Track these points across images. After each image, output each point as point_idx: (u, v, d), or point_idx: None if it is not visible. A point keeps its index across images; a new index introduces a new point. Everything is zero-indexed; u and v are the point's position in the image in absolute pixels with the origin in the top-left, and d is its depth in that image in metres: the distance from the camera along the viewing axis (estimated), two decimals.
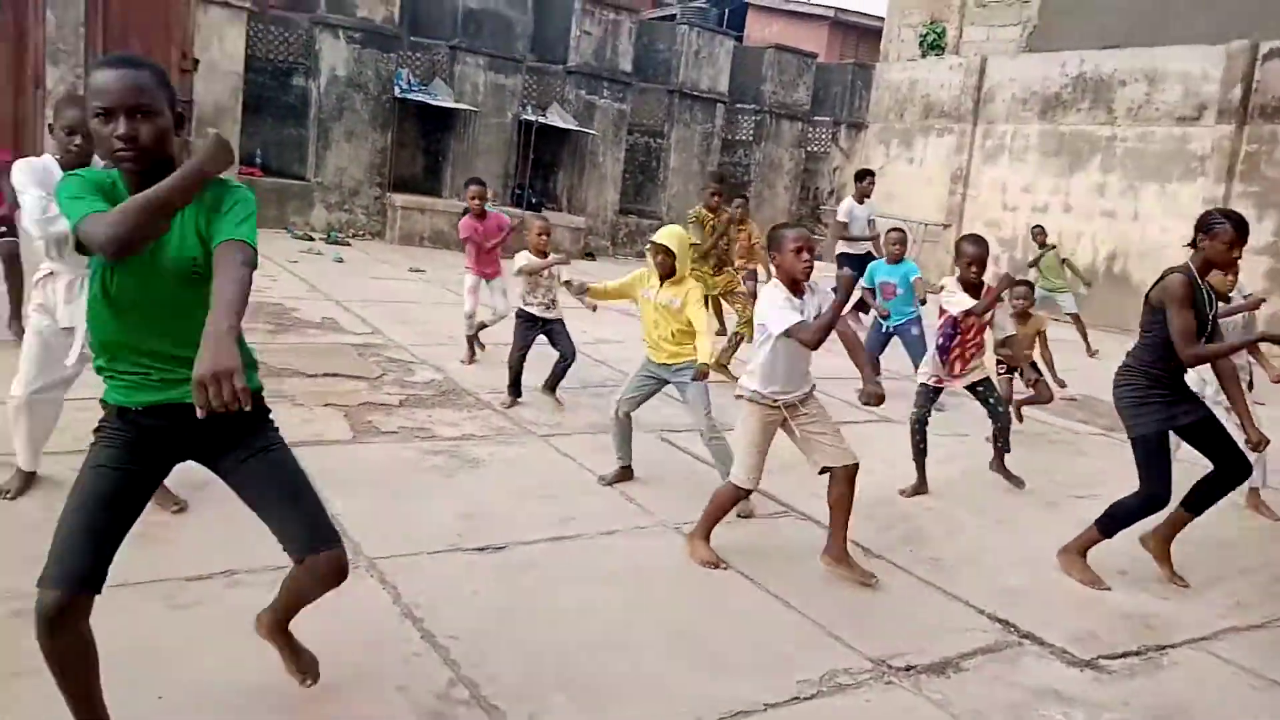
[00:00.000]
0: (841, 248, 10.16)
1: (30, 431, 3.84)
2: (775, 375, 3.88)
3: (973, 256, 5.09)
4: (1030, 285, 7.20)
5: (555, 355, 6.11)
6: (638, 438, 5.10)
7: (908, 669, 3.25)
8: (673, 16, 23.35)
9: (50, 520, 2.36)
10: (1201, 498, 4.24)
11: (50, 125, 3.69)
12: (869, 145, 18.34)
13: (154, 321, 2.25)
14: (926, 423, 5.26)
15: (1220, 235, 3.98)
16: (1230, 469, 4.16)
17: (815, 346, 3.76)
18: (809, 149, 18.35)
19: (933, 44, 17.85)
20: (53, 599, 2.18)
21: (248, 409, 1.90)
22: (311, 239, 12.68)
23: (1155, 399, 4.07)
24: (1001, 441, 5.48)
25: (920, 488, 5.19)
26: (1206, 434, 4.18)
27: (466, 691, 2.82)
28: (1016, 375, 6.45)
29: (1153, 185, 13.85)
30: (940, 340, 5.21)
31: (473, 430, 5.41)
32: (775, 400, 3.90)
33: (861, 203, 9.99)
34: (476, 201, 6.96)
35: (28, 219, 3.64)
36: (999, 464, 5.57)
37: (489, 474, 4.76)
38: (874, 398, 3.76)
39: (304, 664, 2.73)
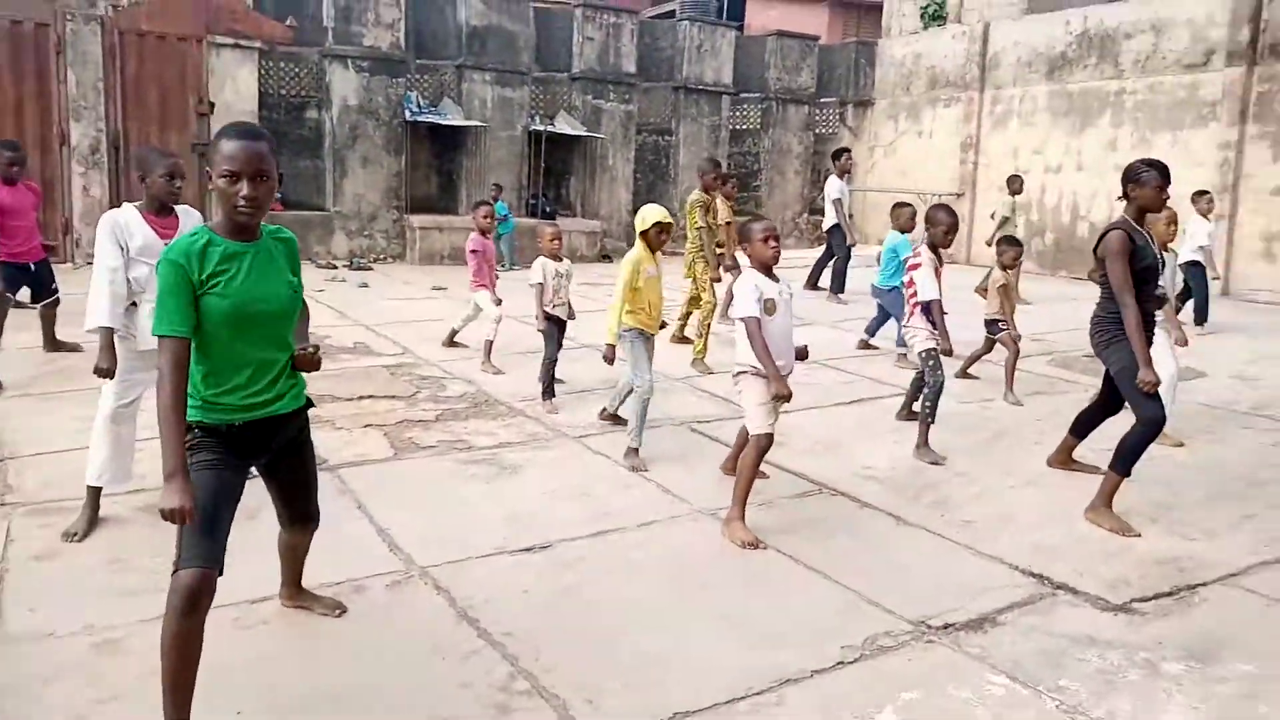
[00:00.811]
0: (830, 222, 11.17)
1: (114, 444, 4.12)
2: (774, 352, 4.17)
3: (946, 224, 5.52)
4: (1020, 245, 7.45)
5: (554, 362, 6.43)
6: (669, 430, 5.29)
7: (946, 627, 3.37)
8: (672, 13, 23.49)
9: (119, 557, 2.55)
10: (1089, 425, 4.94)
11: (140, 175, 4.10)
12: (877, 122, 18.35)
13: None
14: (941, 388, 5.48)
15: (1148, 182, 4.39)
16: (1113, 403, 4.77)
17: (756, 354, 4.14)
18: (817, 131, 18.39)
19: (934, 15, 17.83)
20: (193, 577, 2.54)
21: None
22: (335, 267, 12.95)
23: (1123, 336, 4.38)
24: (930, 406, 5.40)
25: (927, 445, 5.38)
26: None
27: (527, 683, 2.98)
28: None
29: (1165, 135, 13.76)
30: (928, 317, 5.42)
31: (508, 438, 5.58)
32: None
33: (842, 178, 11.07)
34: (487, 220, 7.52)
35: (97, 277, 3.98)
36: (907, 413, 5.91)
37: (528, 478, 4.93)
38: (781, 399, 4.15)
39: (329, 603, 3.42)
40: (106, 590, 3.52)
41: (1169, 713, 2.86)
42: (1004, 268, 7.16)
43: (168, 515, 2.45)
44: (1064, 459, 5.16)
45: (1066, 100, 15.07)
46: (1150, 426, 4.34)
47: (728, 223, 8.96)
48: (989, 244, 6.92)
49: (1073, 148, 14.86)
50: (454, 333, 7.96)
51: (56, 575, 3.62)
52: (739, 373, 4.29)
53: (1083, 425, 5.08)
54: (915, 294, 5.46)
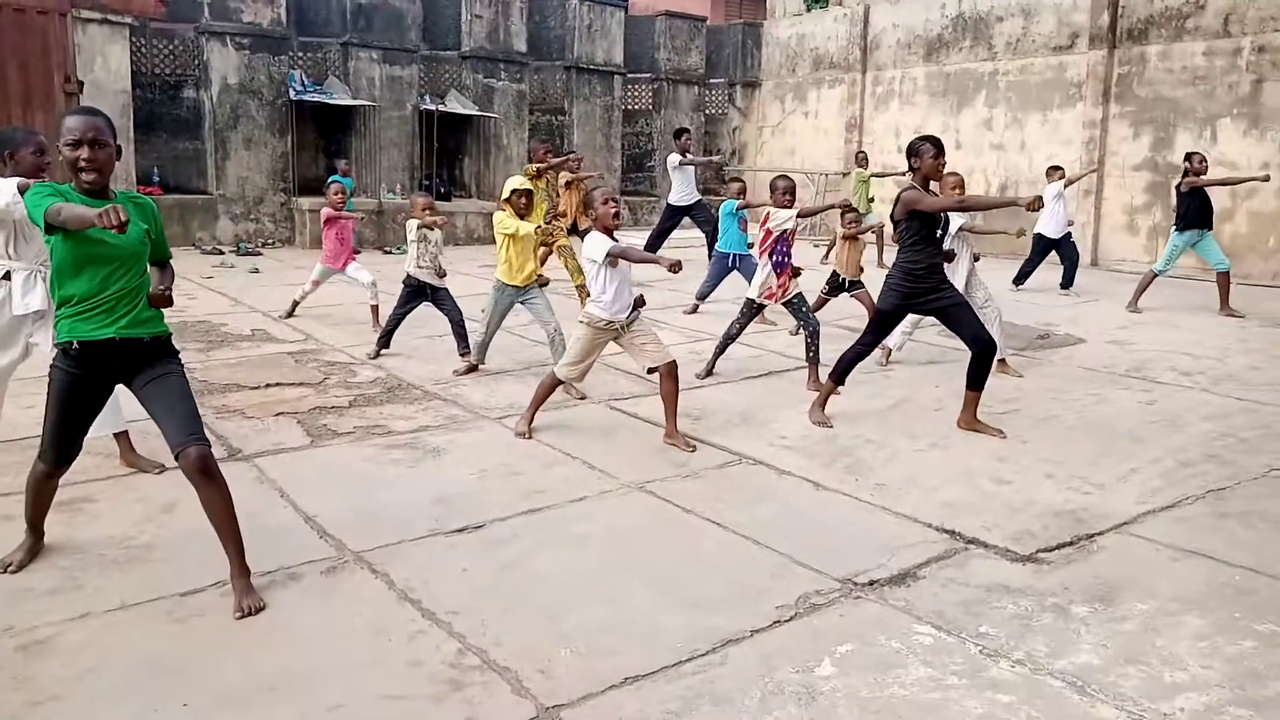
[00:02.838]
0: (673, 199, 11.76)
1: None
2: (615, 302, 5.04)
3: (785, 188, 6.54)
4: (856, 210, 8.54)
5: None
6: (588, 407, 5.50)
7: (871, 584, 3.56)
8: None
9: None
10: (977, 375, 5.44)
11: (9, 153, 4.32)
12: (764, 102, 18.71)
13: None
14: (736, 338, 6.64)
15: (925, 154, 5.18)
16: (978, 347, 5.35)
17: (628, 259, 4.98)
18: (707, 112, 18.64)
19: None
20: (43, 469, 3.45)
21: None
22: (221, 252, 12.48)
23: (901, 287, 5.30)
24: (814, 351, 6.39)
25: (710, 372, 6.64)
26: (955, 318, 5.37)
27: (477, 659, 3.01)
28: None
29: (1036, 115, 14.51)
30: (776, 259, 6.36)
31: (427, 421, 5.55)
32: (612, 322, 5.09)
33: (684, 155, 11.82)
34: (338, 196, 8.14)
35: None
36: (814, 378, 6.33)
37: (451, 460, 4.92)
38: (675, 266, 4.87)
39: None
40: (23, 591, 3.38)
41: (1080, 650, 3.10)
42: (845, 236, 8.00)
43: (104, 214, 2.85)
44: (969, 419, 5.46)
45: (944, 80, 15.70)
46: (866, 350, 5.59)
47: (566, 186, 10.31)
48: (820, 211, 7.84)
49: (951, 126, 15.51)
50: (295, 304, 8.47)
51: None
52: (581, 320, 5.18)
53: (973, 375, 5.49)
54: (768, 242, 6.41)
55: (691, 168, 11.85)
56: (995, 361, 6.69)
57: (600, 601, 3.41)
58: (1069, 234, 10.92)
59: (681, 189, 11.58)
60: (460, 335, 6.82)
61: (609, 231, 5.01)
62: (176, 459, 3.27)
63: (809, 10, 18.36)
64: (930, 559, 3.81)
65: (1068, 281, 11.06)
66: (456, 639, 3.13)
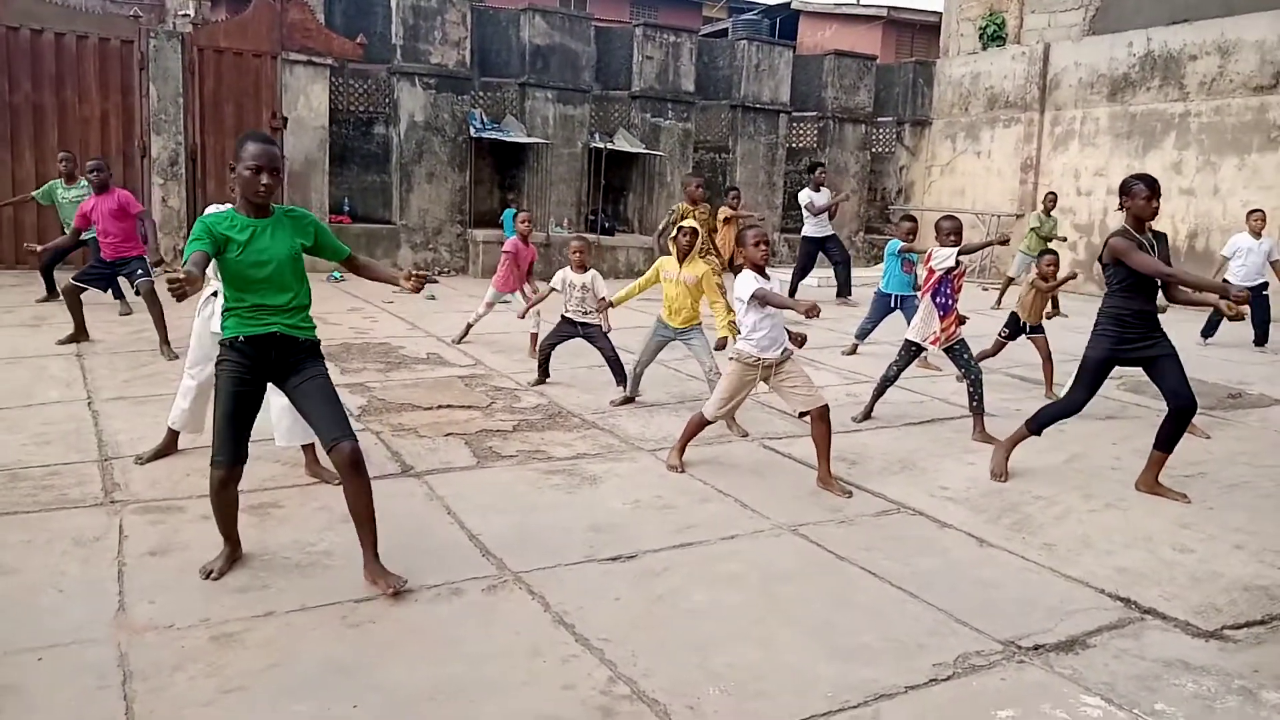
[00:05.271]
0: (807, 231, 12.46)
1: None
2: (765, 340, 5.09)
3: (950, 229, 6.28)
4: (1055, 254, 7.94)
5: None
6: (741, 445, 5.60)
7: (1036, 648, 3.40)
8: (724, 32, 23.65)
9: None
10: (1169, 436, 5.10)
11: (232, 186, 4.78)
12: (934, 141, 18.31)
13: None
14: (894, 381, 6.52)
15: (1137, 194, 4.93)
16: (1177, 402, 5.00)
17: (770, 303, 5.03)
18: (874, 150, 18.39)
19: (993, 35, 17.77)
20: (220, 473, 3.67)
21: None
22: None
23: (1110, 333, 5.04)
24: (977, 400, 6.21)
25: (868, 415, 6.53)
26: (1160, 369, 5.04)
27: (627, 688, 3.06)
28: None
29: (1232, 159, 13.58)
30: (940, 300, 6.24)
31: (584, 449, 5.69)
32: (761, 359, 5.11)
33: (818, 190, 12.43)
34: (525, 225, 8.60)
35: None
36: (979, 428, 6.17)
37: (607, 489, 5.03)
38: (811, 311, 4.79)
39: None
40: (217, 587, 3.67)
41: None
42: (1043, 278, 7.56)
43: (172, 283, 3.18)
44: (1150, 480, 5.16)
45: (1129, 121, 14.94)
46: (1069, 409, 5.26)
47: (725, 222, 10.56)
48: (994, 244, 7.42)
49: (1135, 169, 14.63)
50: (468, 327, 8.75)
51: (170, 571, 3.79)
52: (731, 357, 5.27)
53: (1165, 434, 5.14)
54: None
55: (824, 200, 12.47)
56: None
57: (751, 642, 3.41)
58: (1262, 286, 9.95)
59: (816, 221, 12.27)
60: (615, 369, 6.98)
61: (759, 270, 5.10)
62: (329, 452, 3.62)
63: (985, 48, 17.87)
64: (1102, 627, 3.60)
65: (1261, 338, 10.21)
66: (608, 666, 3.20)
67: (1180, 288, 5.02)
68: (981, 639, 3.46)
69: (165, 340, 7.61)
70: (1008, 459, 5.40)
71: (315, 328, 3.81)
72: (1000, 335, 7.81)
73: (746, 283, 5.06)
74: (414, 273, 3.82)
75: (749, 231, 5.21)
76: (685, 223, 6.65)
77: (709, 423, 5.39)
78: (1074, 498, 5.09)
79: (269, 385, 3.76)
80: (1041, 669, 3.28)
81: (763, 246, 5.11)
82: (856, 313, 11.38)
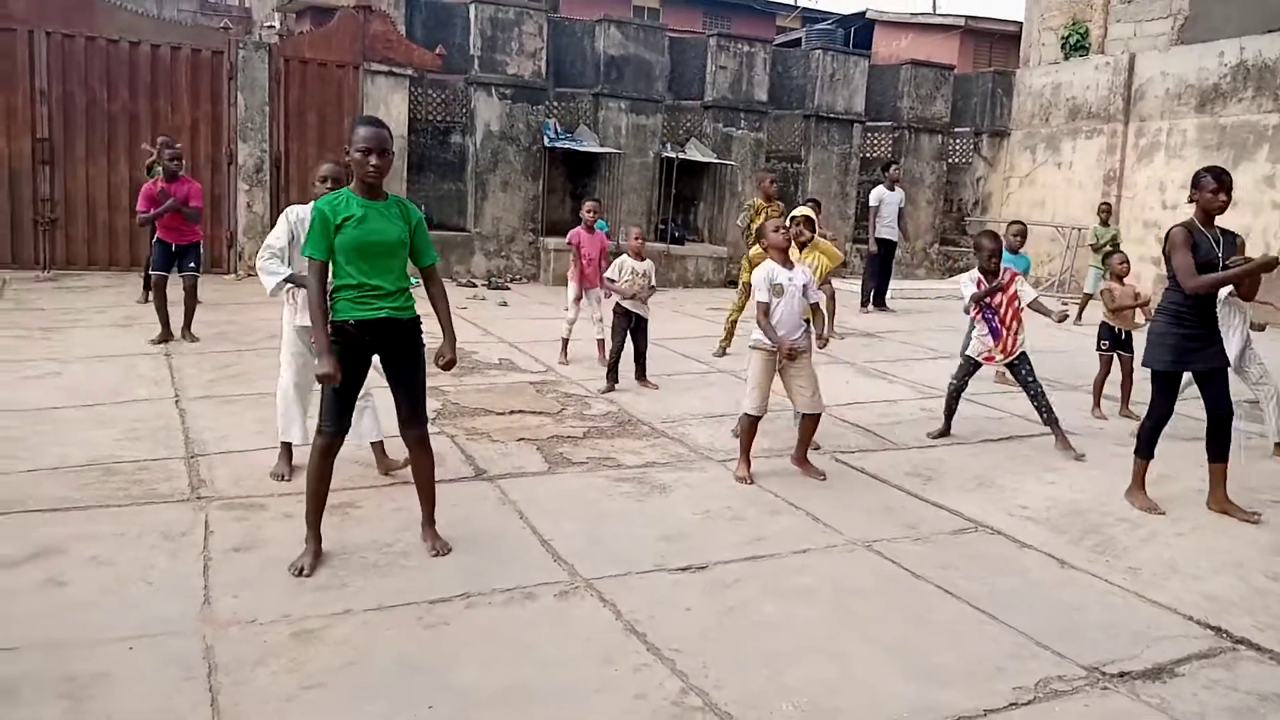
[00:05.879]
0: (881, 233, 12.45)
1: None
2: (781, 329, 5.25)
3: (991, 249, 6.12)
4: (1124, 254, 7.93)
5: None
6: (813, 457, 5.64)
7: (1121, 675, 3.30)
8: (796, 42, 23.50)
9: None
10: (1219, 446, 4.97)
11: (314, 183, 4.95)
12: (1013, 152, 17.93)
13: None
14: (962, 393, 6.41)
15: (1205, 186, 4.80)
16: (1217, 410, 4.91)
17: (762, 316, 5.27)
18: (950, 161, 18.08)
19: (1075, 45, 17.34)
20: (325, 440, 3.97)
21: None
22: (474, 285, 13.40)
23: (1170, 340, 4.87)
24: (1045, 412, 6.10)
25: (945, 432, 6.38)
26: (1206, 377, 4.92)
27: (699, 699, 3.05)
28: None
29: None
30: (990, 325, 6.13)
31: (654, 458, 5.69)
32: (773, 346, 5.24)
33: (892, 189, 12.43)
34: (590, 214, 8.45)
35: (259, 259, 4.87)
36: (1061, 439, 6.09)
37: (677, 498, 5.02)
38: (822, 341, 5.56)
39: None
40: (299, 584, 3.76)
41: None
42: (1117, 277, 7.44)
43: (321, 379, 3.77)
44: (1220, 498, 5.01)
45: (1219, 133, 14.43)
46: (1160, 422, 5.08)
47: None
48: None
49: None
50: (565, 342, 8.47)
51: (253, 567, 3.89)
52: (751, 347, 5.39)
53: (1216, 445, 5.04)
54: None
55: (896, 201, 12.51)
56: (1273, 445, 6.12)
57: (824, 658, 3.37)
58: None
59: (886, 222, 12.37)
60: (640, 363, 7.43)
61: (784, 258, 5.35)
62: (401, 426, 4.07)
63: (1067, 59, 17.44)
64: (1190, 655, 3.48)
65: None
66: (679, 677, 3.19)
67: (1243, 286, 5.08)
68: (1064, 663, 3.36)
69: (189, 326, 8.34)
70: (1144, 491, 5.16)
71: (415, 303, 4.04)
72: (1101, 348, 7.45)
73: (760, 285, 5.31)
74: (447, 362, 4.11)
75: (769, 224, 5.49)
76: (797, 212, 6.58)
77: (756, 418, 5.38)
78: (1160, 521, 4.92)
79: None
80: (1127, 697, 3.17)
81: (781, 231, 5.39)
82: (929, 322, 11.22)
